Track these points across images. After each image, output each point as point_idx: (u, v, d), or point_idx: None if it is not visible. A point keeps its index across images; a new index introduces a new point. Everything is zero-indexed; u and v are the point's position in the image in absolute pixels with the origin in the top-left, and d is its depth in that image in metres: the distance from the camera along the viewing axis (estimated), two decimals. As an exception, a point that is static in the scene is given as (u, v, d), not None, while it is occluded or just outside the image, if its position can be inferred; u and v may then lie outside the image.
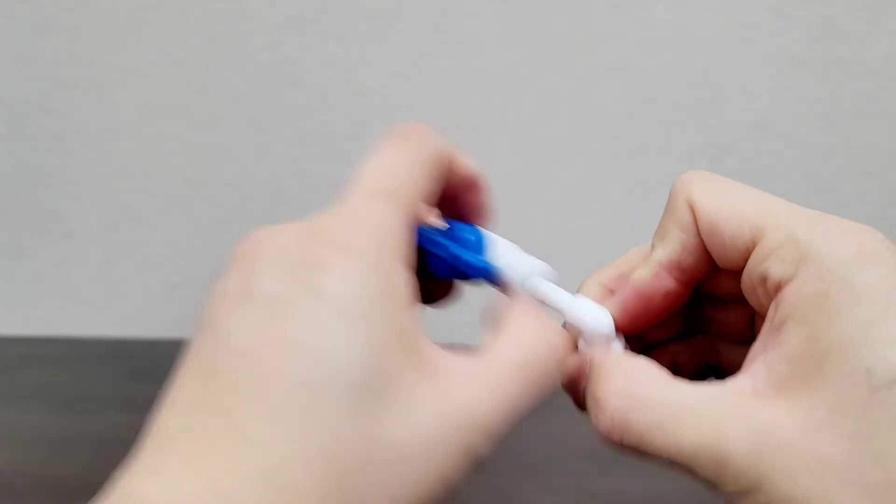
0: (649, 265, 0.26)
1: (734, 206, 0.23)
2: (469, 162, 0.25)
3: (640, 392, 0.22)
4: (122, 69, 0.66)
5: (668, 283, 0.25)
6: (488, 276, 0.25)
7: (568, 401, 0.52)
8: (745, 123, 0.66)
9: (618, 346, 0.25)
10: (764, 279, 0.22)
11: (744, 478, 0.20)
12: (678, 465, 0.21)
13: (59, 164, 0.68)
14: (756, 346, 0.22)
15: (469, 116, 0.66)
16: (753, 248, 0.23)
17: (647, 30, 0.65)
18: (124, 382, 0.62)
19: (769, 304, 0.22)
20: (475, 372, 0.21)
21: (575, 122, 0.66)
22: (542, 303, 0.26)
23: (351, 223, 0.21)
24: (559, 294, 0.26)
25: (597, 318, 0.25)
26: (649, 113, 0.66)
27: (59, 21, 0.66)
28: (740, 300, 0.24)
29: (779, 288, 0.22)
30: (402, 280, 0.21)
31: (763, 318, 0.23)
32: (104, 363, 0.66)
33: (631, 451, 0.22)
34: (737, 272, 0.24)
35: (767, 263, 0.22)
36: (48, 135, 0.68)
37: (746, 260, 0.23)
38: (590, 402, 0.23)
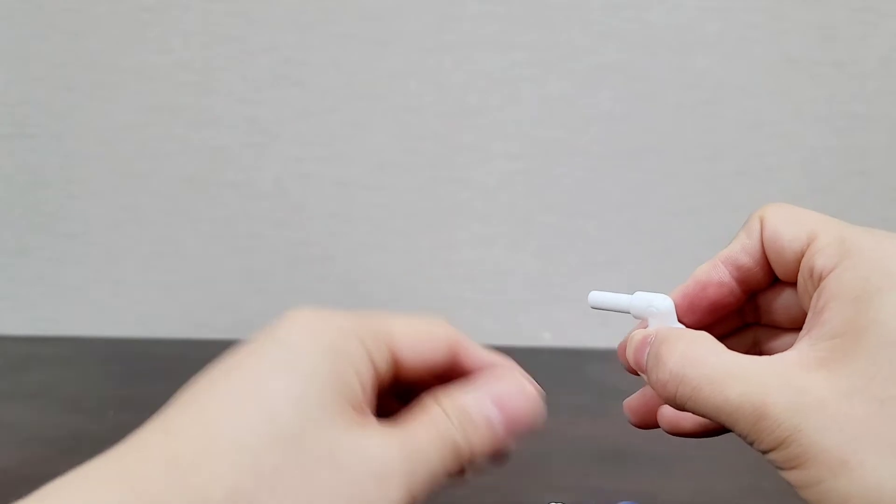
0: (711, 260, 0.29)
1: (796, 217, 0.26)
2: (481, 355, 0.26)
3: (698, 353, 0.24)
4: (122, 69, 0.66)
5: (721, 273, 0.28)
6: None
7: (568, 401, 0.52)
8: (744, 123, 0.66)
9: (678, 324, 0.28)
10: (811, 271, 0.25)
11: (779, 430, 0.22)
12: (721, 418, 0.23)
13: (59, 164, 0.68)
14: (802, 332, 0.25)
15: (469, 116, 0.67)
16: (806, 248, 0.26)
17: (646, 31, 0.65)
18: (124, 382, 0.62)
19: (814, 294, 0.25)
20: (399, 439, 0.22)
21: (574, 123, 0.67)
22: (608, 308, 0.29)
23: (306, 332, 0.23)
24: (618, 295, 0.29)
25: (659, 298, 0.28)
26: (648, 113, 0.66)
27: (59, 22, 0.66)
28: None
29: (821, 278, 0.24)
30: (361, 358, 0.22)
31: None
32: (104, 363, 0.66)
33: (682, 403, 0.24)
34: (791, 283, 0.27)
35: (815, 258, 0.25)
36: (48, 135, 0.68)
37: (799, 262, 0.26)
38: (651, 361, 0.25)
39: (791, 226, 0.26)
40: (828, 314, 0.23)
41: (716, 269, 0.28)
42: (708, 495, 0.33)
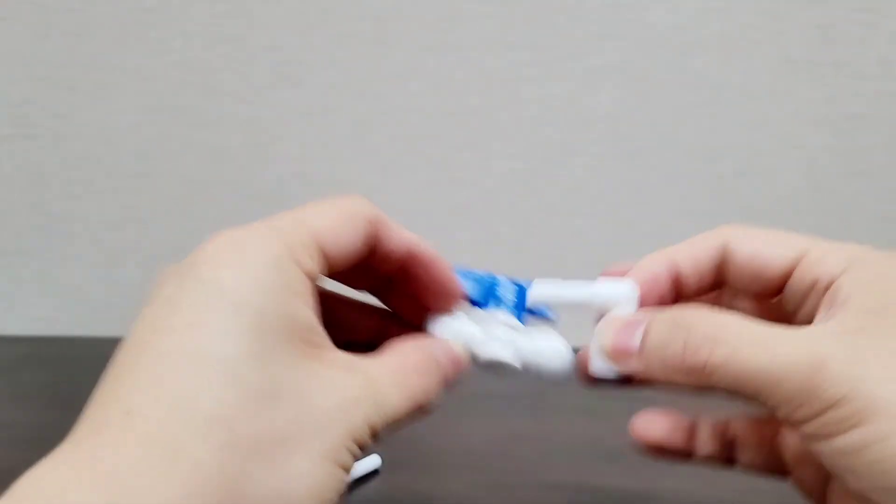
0: (656, 256, 0.28)
1: (774, 237, 0.27)
2: (403, 234, 0.26)
3: (730, 319, 0.23)
4: (122, 69, 0.66)
5: (668, 271, 0.28)
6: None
7: (567, 401, 0.52)
8: (744, 124, 0.66)
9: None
10: (814, 282, 0.25)
11: (839, 384, 0.21)
12: (760, 381, 0.21)
13: (59, 164, 0.68)
14: (819, 319, 0.24)
15: (469, 116, 0.67)
16: (796, 264, 0.25)
17: (646, 31, 0.65)
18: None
19: (818, 303, 0.24)
20: (366, 366, 0.22)
21: (575, 123, 0.67)
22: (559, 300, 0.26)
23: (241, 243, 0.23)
24: (570, 284, 0.28)
25: (626, 284, 0.27)
26: (649, 113, 0.66)
27: (60, 22, 0.66)
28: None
29: (829, 285, 0.24)
30: (296, 276, 0.22)
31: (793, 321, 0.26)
32: (104, 363, 0.66)
33: (712, 369, 0.22)
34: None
35: (817, 268, 0.25)
36: (48, 135, 0.68)
37: (786, 277, 0.26)
38: (666, 333, 0.23)
39: (774, 246, 0.26)
40: (854, 300, 0.23)
41: (661, 264, 0.28)
42: (708, 495, 0.33)
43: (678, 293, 0.28)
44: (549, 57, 0.65)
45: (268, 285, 0.21)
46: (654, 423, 0.28)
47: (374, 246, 0.25)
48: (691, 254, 0.27)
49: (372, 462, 0.36)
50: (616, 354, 0.25)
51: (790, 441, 0.27)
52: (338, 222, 0.24)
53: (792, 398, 0.21)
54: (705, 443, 0.27)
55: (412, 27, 0.65)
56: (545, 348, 0.26)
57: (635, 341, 0.24)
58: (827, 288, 0.24)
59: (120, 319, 0.71)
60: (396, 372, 0.23)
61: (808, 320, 0.25)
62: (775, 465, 0.27)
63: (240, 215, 0.68)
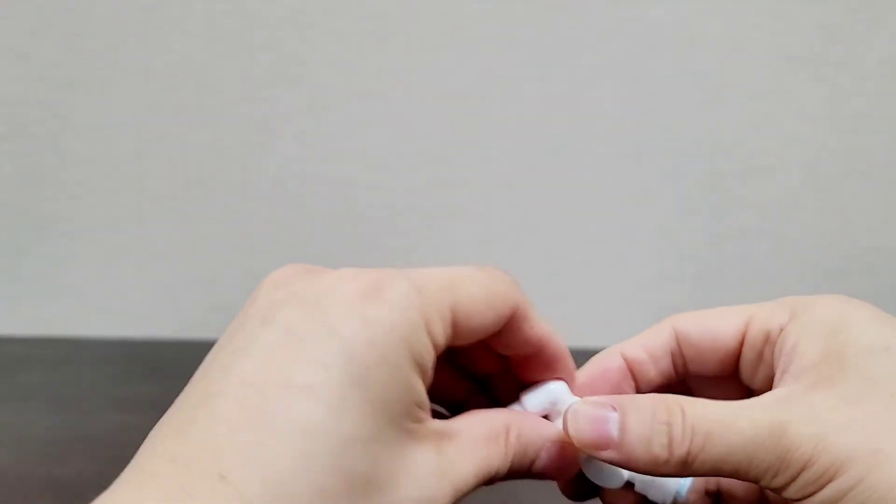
0: (607, 351, 0.27)
1: (718, 312, 0.27)
2: (540, 326, 0.24)
3: (693, 402, 0.23)
4: (122, 69, 0.66)
5: (619, 362, 0.27)
6: None
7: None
8: (745, 123, 0.66)
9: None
10: (766, 337, 0.25)
11: (804, 445, 0.21)
12: (736, 458, 0.22)
13: (59, 164, 0.68)
14: (776, 380, 0.24)
15: (469, 116, 0.66)
16: (746, 328, 0.26)
17: (647, 30, 0.65)
18: (124, 382, 0.62)
19: (771, 361, 0.25)
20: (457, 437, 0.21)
21: (575, 122, 0.66)
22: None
23: (384, 292, 0.20)
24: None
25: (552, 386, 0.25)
26: (649, 113, 0.66)
27: (59, 21, 0.66)
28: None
29: (780, 332, 0.25)
30: (426, 350, 0.20)
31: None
32: (104, 363, 0.66)
33: (693, 457, 0.22)
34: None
35: (766, 324, 0.25)
36: (48, 135, 0.68)
37: (739, 344, 0.26)
38: (651, 424, 0.22)
39: (721, 317, 0.26)
40: (801, 349, 0.24)
41: (611, 358, 0.26)
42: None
43: (638, 388, 0.27)
44: (550, 56, 0.65)
45: (397, 359, 0.19)
46: (626, 497, 0.26)
47: (506, 331, 0.23)
48: (643, 344, 0.27)
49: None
50: (595, 445, 0.23)
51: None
52: (481, 299, 0.22)
53: (766, 469, 0.21)
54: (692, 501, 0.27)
55: (412, 27, 0.65)
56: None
57: (612, 431, 0.22)
58: (779, 334, 0.25)
59: (119, 319, 0.71)
60: (473, 441, 0.22)
61: (768, 384, 0.25)
62: None
63: (239, 215, 0.68)
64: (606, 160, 0.67)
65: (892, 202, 0.67)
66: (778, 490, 0.22)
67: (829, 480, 0.21)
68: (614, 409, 0.22)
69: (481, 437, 0.22)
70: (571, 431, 0.23)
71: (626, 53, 0.65)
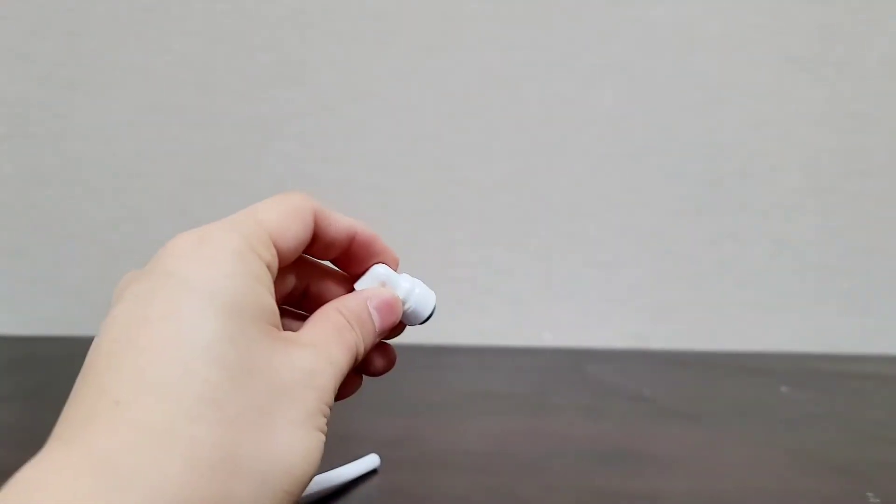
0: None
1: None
2: (344, 219, 0.29)
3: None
4: (122, 69, 0.66)
5: None
6: None
7: (567, 401, 0.52)
8: (745, 123, 0.66)
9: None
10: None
11: None
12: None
13: (59, 164, 0.68)
14: None
15: (469, 116, 0.66)
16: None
17: (647, 30, 0.65)
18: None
19: None
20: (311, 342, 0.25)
21: (575, 122, 0.66)
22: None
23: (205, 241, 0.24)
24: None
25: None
26: (649, 113, 0.66)
27: (59, 21, 0.66)
28: None
29: None
30: (258, 266, 0.24)
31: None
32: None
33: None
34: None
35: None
36: (48, 135, 0.68)
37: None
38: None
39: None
40: None
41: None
42: (708, 495, 0.33)
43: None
44: (550, 57, 0.65)
45: (234, 274, 0.23)
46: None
47: (319, 235, 0.27)
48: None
49: (371, 462, 0.36)
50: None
51: None
52: (287, 217, 0.26)
53: None
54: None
55: (412, 27, 0.65)
56: (430, 294, 0.31)
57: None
58: None
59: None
60: (334, 333, 0.26)
61: None
62: None
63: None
64: (606, 160, 0.67)
65: (892, 202, 0.67)
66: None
67: None
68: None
69: (329, 326, 0.26)
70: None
71: (626, 53, 0.65)
